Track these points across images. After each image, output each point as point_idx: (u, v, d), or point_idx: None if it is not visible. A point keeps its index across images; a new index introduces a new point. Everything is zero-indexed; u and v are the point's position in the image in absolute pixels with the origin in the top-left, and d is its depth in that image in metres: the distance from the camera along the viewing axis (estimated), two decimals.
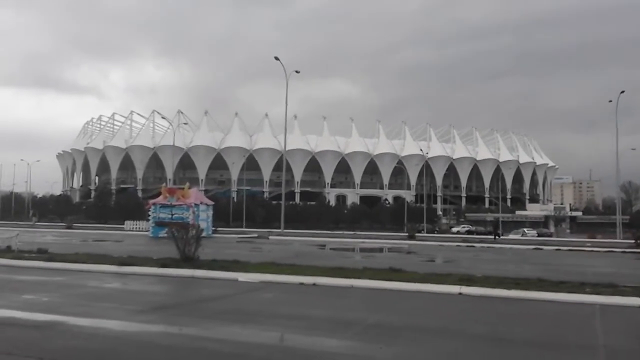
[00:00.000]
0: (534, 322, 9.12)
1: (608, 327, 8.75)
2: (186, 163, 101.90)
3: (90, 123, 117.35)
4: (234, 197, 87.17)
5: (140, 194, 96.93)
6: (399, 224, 70.73)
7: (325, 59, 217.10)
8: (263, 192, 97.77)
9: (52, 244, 24.75)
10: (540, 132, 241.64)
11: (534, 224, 79.20)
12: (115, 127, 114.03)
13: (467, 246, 32.55)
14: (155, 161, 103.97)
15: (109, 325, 7.86)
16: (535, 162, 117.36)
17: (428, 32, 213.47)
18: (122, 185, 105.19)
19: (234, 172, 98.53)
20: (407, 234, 48.73)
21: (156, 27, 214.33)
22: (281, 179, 60.13)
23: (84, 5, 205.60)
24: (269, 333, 7.68)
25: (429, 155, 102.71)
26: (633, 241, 39.06)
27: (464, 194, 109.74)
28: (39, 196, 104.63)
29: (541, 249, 31.61)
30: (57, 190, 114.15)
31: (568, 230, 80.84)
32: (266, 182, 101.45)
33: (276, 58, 43.04)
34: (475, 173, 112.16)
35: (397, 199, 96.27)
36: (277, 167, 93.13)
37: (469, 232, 66.30)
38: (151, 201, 42.78)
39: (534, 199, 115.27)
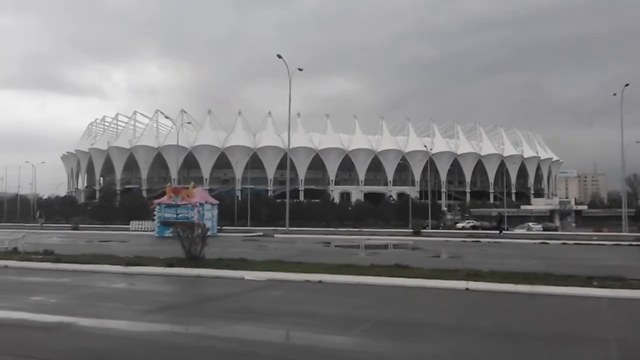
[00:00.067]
0: (543, 316, 9.08)
1: (618, 320, 8.72)
2: (190, 162, 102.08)
3: (94, 124, 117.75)
4: (238, 196, 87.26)
5: (144, 194, 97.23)
6: (404, 220, 70.63)
7: (326, 56, 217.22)
8: (267, 190, 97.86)
9: (58, 245, 24.82)
10: (544, 126, 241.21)
11: (539, 218, 79.01)
12: (119, 127, 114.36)
13: (473, 241, 32.49)
14: (159, 161, 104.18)
15: (116, 325, 7.87)
16: (539, 157, 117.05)
17: (429, 27, 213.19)
18: (126, 186, 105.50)
19: (238, 171, 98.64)
20: (412, 230, 48.66)
21: (157, 27, 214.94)
22: (285, 177, 60.20)
23: (84, 6, 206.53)
24: (277, 331, 7.68)
25: (433, 151, 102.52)
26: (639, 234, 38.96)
27: (468, 190, 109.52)
28: (44, 198, 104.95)
29: (547, 243, 31.50)
30: (62, 192, 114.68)
31: (573, 224, 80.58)
32: (270, 180, 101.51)
33: (279, 56, 43.04)
34: (479, 168, 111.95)
35: (401, 195, 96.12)
36: (281, 165, 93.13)
37: (474, 228, 66.07)
38: (156, 201, 42.86)
39: (539, 194, 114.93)
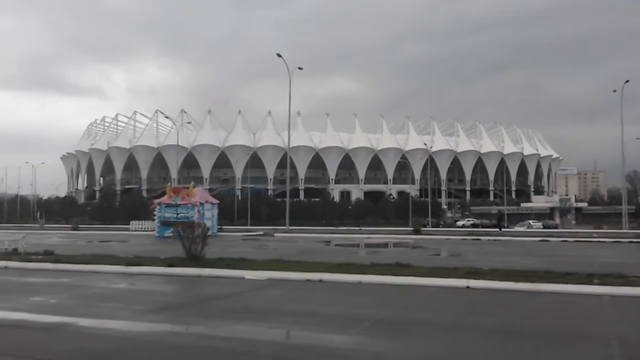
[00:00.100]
0: (544, 314, 9.07)
1: (620, 318, 8.70)
2: (190, 162, 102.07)
3: (94, 124, 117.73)
4: (238, 195, 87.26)
5: (145, 194, 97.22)
6: (404, 218, 70.65)
7: (326, 56, 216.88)
8: (267, 189, 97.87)
9: (59, 245, 24.79)
10: (544, 124, 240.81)
11: (539, 215, 78.99)
12: (118, 127, 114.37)
13: (473, 239, 32.45)
14: (159, 161, 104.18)
15: (117, 325, 7.86)
16: (539, 154, 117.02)
17: (428, 26, 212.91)
18: (126, 186, 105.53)
19: (238, 170, 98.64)
20: (412, 228, 48.66)
21: (157, 27, 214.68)
22: (285, 176, 60.19)
23: (84, 6, 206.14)
24: (278, 330, 7.66)
25: (433, 150, 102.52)
26: None
27: (468, 188, 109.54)
28: (44, 198, 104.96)
29: (548, 240, 31.49)
30: (62, 192, 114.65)
31: (574, 222, 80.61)
32: (270, 179, 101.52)
33: (279, 55, 43.03)
34: (479, 166, 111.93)
35: (401, 193, 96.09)
36: (281, 165, 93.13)
37: (474, 226, 66.07)
38: (156, 201, 42.86)
39: (539, 191, 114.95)
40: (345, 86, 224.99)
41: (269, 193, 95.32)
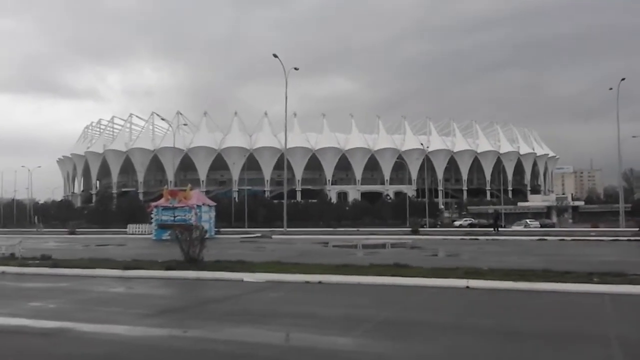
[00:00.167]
0: (544, 314, 9.06)
1: (620, 316, 8.70)
2: (187, 164, 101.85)
3: (90, 127, 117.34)
4: (235, 197, 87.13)
5: (141, 197, 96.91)
6: (401, 219, 70.71)
7: (323, 56, 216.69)
8: (264, 191, 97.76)
9: (56, 250, 24.71)
10: (540, 123, 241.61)
11: (536, 214, 79.11)
12: (114, 130, 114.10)
13: (471, 239, 32.48)
14: (155, 163, 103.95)
15: (116, 330, 7.83)
16: (535, 153, 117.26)
17: (427, 26, 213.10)
18: (123, 189, 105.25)
19: (235, 172, 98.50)
20: (410, 228, 48.68)
21: (153, 28, 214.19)
22: (282, 178, 60.11)
23: (80, 7, 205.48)
24: (277, 333, 7.64)
25: (430, 149, 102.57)
26: (637, 229, 39.03)
27: (465, 187, 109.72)
28: (40, 202, 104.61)
29: (545, 239, 31.52)
30: (59, 196, 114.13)
31: (570, 220, 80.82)
32: (267, 181, 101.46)
33: (275, 55, 42.99)
34: (476, 166, 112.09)
35: (398, 194, 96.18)
36: (278, 166, 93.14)
37: (471, 225, 66.19)
38: (153, 204, 42.72)
39: (536, 190, 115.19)
40: (341, 87, 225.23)
41: (266, 195, 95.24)
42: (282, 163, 65.81)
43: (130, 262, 16.44)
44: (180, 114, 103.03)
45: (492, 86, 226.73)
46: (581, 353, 6.51)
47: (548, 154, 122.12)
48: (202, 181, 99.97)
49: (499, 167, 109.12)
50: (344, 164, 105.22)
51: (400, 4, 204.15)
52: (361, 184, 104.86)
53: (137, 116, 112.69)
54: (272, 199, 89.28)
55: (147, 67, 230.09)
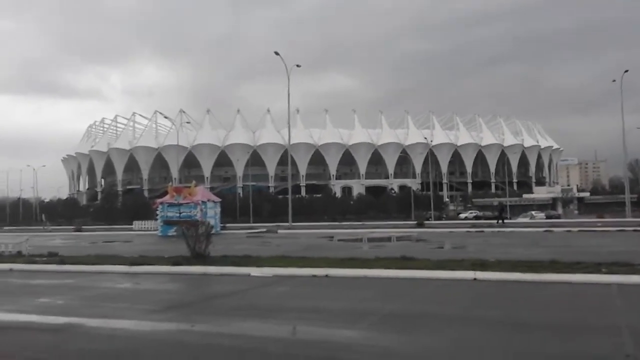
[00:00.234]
0: (553, 304, 9.03)
1: (629, 306, 8.63)
2: (191, 162, 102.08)
3: (94, 126, 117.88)
4: (240, 193, 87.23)
5: (146, 194, 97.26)
6: (406, 212, 70.59)
7: (325, 53, 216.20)
8: (269, 187, 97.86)
9: (62, 247, 24.77)
10: (543, 116, 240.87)
11: (541, 206, 78.87)
12: (118, 129, 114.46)
13: (477, 231, 32.41)
14: (159, 161, 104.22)
15: (124, 325, 7.83)
16: (539, 145, 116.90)
17: (427, 21, 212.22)
18: (128, 187, 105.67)
19: (239, 169, 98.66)
20: (415, 222, 48.63)
21: (155, 27, 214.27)
22: (286, 173, 60.15)
23: (80, 8, 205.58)
24: (285, 327, 7.62)
25: (433, 143, 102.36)
26: None
27: (469, 180, 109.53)
28: (46, 201, 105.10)
29: (551, 231, 31.38)
30: (64, 194, 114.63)
31: (576, 212, 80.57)
32: (271, 177, 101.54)
33: (276, 53, 42.99)
34: (480, 159, 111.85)
35: (403, 188, 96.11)
36: (282, 162, 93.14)
37: (476, 218, 66.02)
38: (158, 200, 42.82)
39: (540, 182, 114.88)
40: (343, 83, 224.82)
41: (271, 190, 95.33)
42: (285, 159, 65.80)
43: (137, 258, 16.51)
44: (183, 112, 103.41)
45: (493, 81, 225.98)
46: (590, 344, 6.45)
47: (552, 146, 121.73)
48: (207, 178, 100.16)
49: (503, 159, 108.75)
50: (347, 159, 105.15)
51: (400, 1, 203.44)
52: (365, 179, 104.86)
53: (140, 115, 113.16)
54: (277, 194, 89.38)
55: (147, 66, 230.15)
